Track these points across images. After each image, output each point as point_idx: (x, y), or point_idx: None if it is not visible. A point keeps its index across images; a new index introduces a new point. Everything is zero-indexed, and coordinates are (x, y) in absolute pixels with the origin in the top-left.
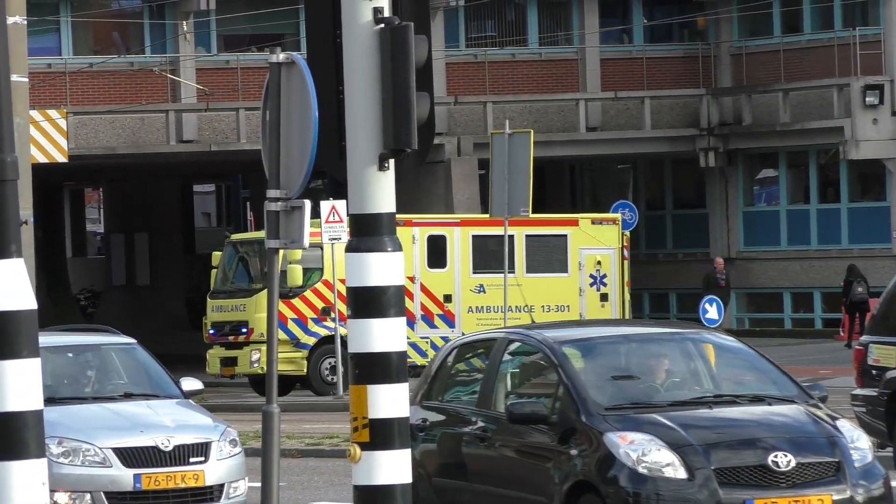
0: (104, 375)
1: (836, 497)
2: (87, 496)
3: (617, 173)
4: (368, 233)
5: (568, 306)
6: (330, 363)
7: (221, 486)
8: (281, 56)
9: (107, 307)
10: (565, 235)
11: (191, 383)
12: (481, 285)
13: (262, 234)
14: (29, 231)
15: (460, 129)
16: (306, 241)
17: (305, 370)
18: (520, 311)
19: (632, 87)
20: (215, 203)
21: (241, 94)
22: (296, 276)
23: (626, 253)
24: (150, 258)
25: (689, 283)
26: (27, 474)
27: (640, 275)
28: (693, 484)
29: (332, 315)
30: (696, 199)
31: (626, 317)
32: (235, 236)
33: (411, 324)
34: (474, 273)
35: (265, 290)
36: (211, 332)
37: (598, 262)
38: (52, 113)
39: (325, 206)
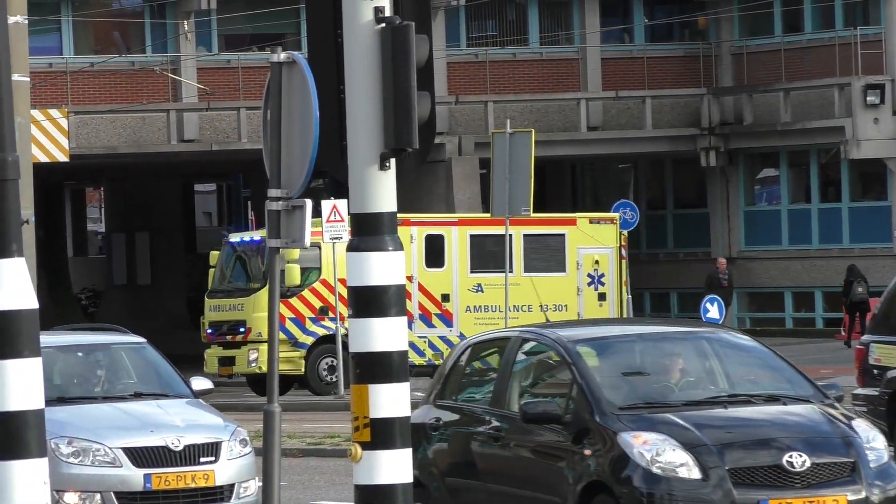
0: (114, 375)
1: (851, 497)
2: (98, 496)
3: (618, 173)
4: (369, 232)
5: (566, 306)
6: (328, 363)
7: (232, 486)
8: (282, 55)
9: (108, 307)
10: (563, 235)
11: (201, 383)
12: (479, 285)
13: (261, 233)
14: (30, 230)
15: (461, 128)
16: (307, 241)
17: (303, 370)
18: (518, 311)
19: (633, 87)
20: (216, 202)
21: (242, 94)
22: (293, 275)
23: (623, 252)
24: (151, 258)
25: (690, 283)
26: (28, 473)
27: (641, 274)
28: (707, 484)
29: (331, 315)
30: (697, 199)
31: (625, 316)
32: (233, 236)
33: (409, 323)
34: (472, 272)
35: (263, 290)
36: (209, 331)
37: (596, 262)
38: (54, 112)
39: (327, 205)
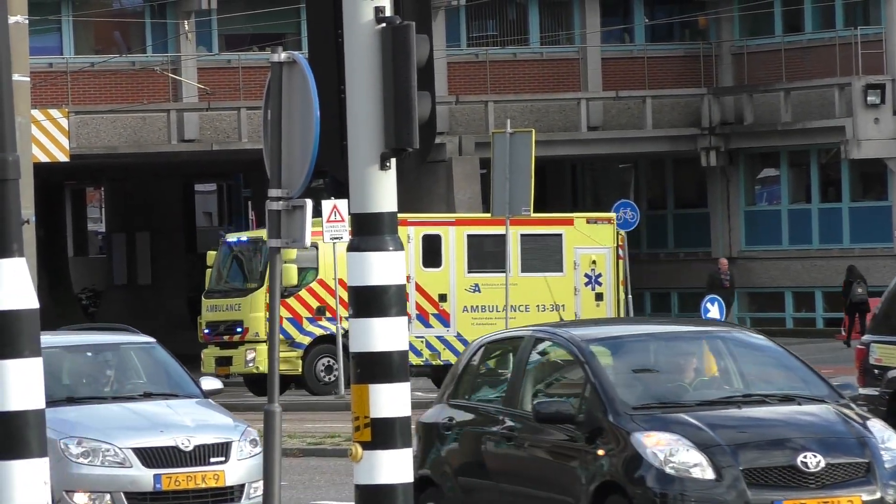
0: (123, 375)
1: (866, 498)
2: (107, 496)
3: (618, 173)
4: (370, 232)
5: (563, 305)
6: (325, 363)
7: (242, 486)
8: (282, 55)
9: (108, 306)
10: (560, 235)
11: (210, 382)
12: (476, 285)
13: (257, 233)
14: (30, 230)
15: (462, 128)
16: (308, 241)
17: (301, 370)
18: (515, 311)
19: (633, 87)
20: (217, 202)
21: (243, 94)
22: (290, 275)
23: (621, 252)
24: (151, 257)
25: (691, 283)
26: (29, 473)
27: (641, 274)
28: (721, 485)
29: (328, 315)
30: (697, 199)
31: (622, 316)
32: (230, 236)
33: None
34: (469, 272)
35: (260, 290)
36: (206, 331)
37: (594, 262)
38: (54, 112)
39: (327, 205)
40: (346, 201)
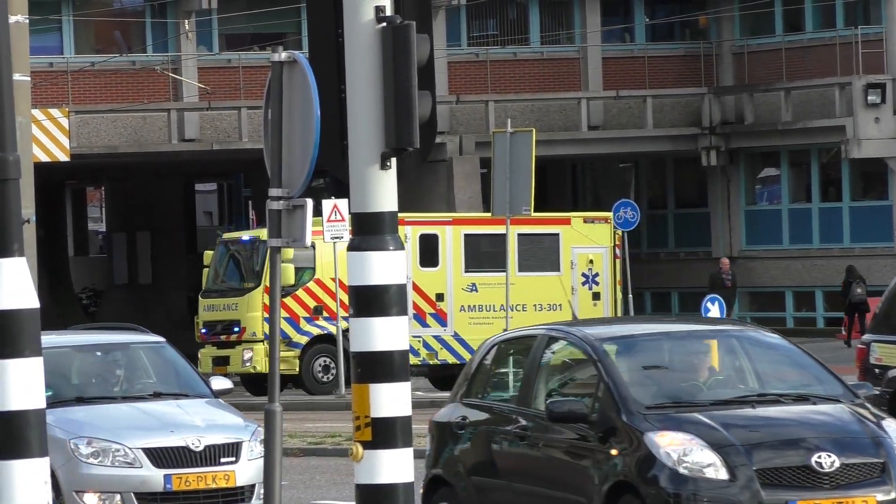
0: (133, 374)
1: (880, 498)
2: (117, 497)
3: (619, 172)
4: (370, 231)
5: (560, 305)
6: (322, 363)
7: (252, 486)
8: (283, 55)
9: (109, 306)
10: (557, 234)
11: (220, 382)
12: (473, 284)
13: (254, 232)
14: (31, 230)
15: (462, 127)
16: (308, 240)
17: (298, 369)
18: (512, 311)
19: (633, 86)
20: (217, 202)
21: (243, 93)
22: (287, 275)
23: (618, 252)
24: (151, 257)
25: (691, 283)
26: (29, 473)
27: (641, 274)
28: (735, 485)
29: (325, 314)
30: (697, 198)
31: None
32: (227, 235)
33: None
34: (466, 272)
35: (257, 290)
36: (203, 331)
37: (591, 261)
38: (54, 112)
39: (327, 204)
40: (346, 201)
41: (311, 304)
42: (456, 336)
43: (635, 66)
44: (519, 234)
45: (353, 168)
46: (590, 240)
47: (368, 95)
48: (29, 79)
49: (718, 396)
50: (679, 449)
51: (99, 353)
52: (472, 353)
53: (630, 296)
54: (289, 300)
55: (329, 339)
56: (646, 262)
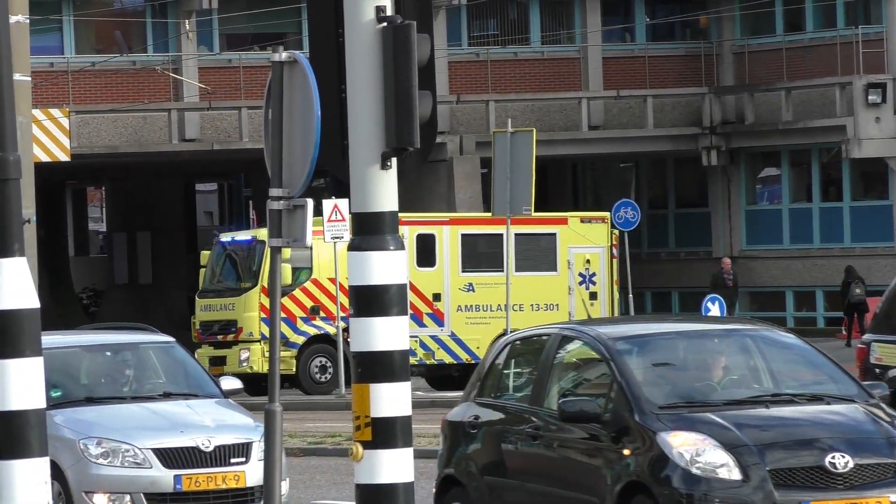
0: (143, 374)
1: (894, 499)
2: (127, 497)
3: (619, 172)
4: (371, 231)
5: (557, 305)
6: (320, 363)
7: (263, 486)
8: (283, 55)
9: (109, 306)
10: (554, 234)
11: (230, 382)
12: (470, 284)
13: (250, 232)
14: (31, 230)
15: (462, 127)
16: (309, 240)
17: (295, 369)
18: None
19: (634, 86)
20: (217, 202)
21: (244, 93)
22: (284, 275)
23: (615, 251)
24: (152, 257)
25: (692, 282)
26: (29, 473)
27: (642, 273)
28: (748, 485)
29: (322, 314)
30: (698, 198)
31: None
32: (224, 235)
33: None
34: (463, 272)
35: (254, 290)
36: (200, 331)
37: (588, 261)
38: (55, 112)
39: (328, 204)
40: (346, 200)
41: (309, 304)
42: (453, 336)
43: (636, 66)
44: (516, 234)
45: (353, 168)
46: (587, 240)
47: (369, 95)
48: (29, 79)
49: (732, 396)
50: (692, 449)
51: (108, 353)
52: (469, 353)
53: (631, 295)
54: (286, 300)
55: (326, 339)
56: (646, 262)
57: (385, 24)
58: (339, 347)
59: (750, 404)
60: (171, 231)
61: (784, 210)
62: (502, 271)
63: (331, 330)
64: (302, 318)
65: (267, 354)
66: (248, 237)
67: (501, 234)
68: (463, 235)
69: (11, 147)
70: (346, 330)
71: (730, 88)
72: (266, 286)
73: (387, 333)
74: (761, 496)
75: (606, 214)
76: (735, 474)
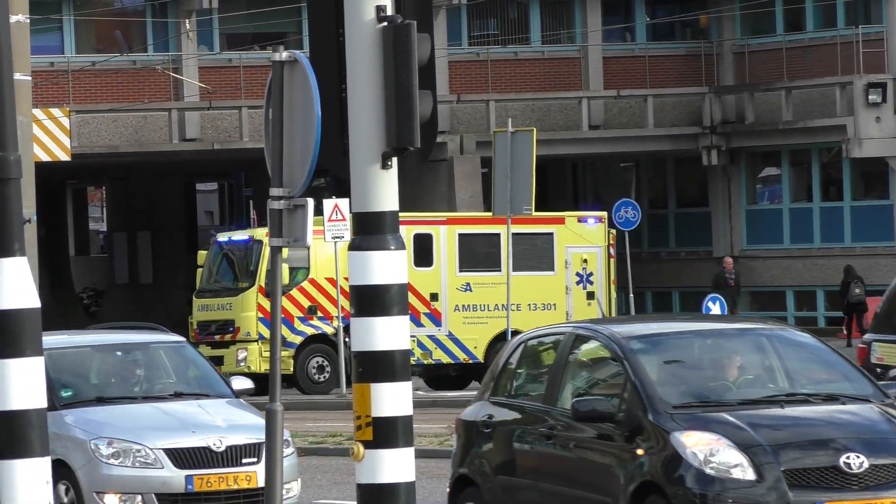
0: (153, 374)
1: None
2: (138, 497)
3: (619, 172)
4: (371, 231)
5: (554, 304)
6: (317, 362)
7: None
8: (284, 54)
9: (110, 305)
10: (551, 234)
11: (241, 382)
12: (468, 284)
13: (247, 232)
14: (32, 229)
15: (463, 127)
16: (310, 240)
17: (292, 369)
18: (506, 310)
19: (634, 86)
20: (218, 201)
21: (244, 93)
22: (282, 274)
23: (612, 251)
24: (152, 256)
25: (692, 282)
26: (30, 473)
27: (643, 273)
28: (762, 485)
29: (320, 314)
30: (698, 198)
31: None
32: (221, 235)
33: None
34: (461, 271)
35: (251, 289)
36: (197, 331)
37: (585, 261)
38: (55, 111)
39: (328, 204)
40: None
41: (306, 303)
42: (450, 336)
43: (636, 66)
44: (513, 234)
45: (354, 167)
46: (584, 239)
47: (369, 95)
48: (30, 78)
49: (746, 396)
50: (706, 449)
51: (119, 353)
52: (466, 353)
53: (631, 295)
54: (283, 300)
55: (323, 338)
56: (647, 262)
57: (385, 23)
58: (339, 348)
59: (764, 404)
60: (171, 231)
61: (784, 210)
62: (500, 271)
63: (328, 330)
64: (299, 318)
65: (264, 354)
66: (245, 237)
67: (499, 234)
68: (460, 235)
69: (12, 147)
70: (346, 329)
71: (730, 88)
72: (263, 286)
73: (388, 333)
74: (775, 496)
75: (603, 214)
76: (749, 474)
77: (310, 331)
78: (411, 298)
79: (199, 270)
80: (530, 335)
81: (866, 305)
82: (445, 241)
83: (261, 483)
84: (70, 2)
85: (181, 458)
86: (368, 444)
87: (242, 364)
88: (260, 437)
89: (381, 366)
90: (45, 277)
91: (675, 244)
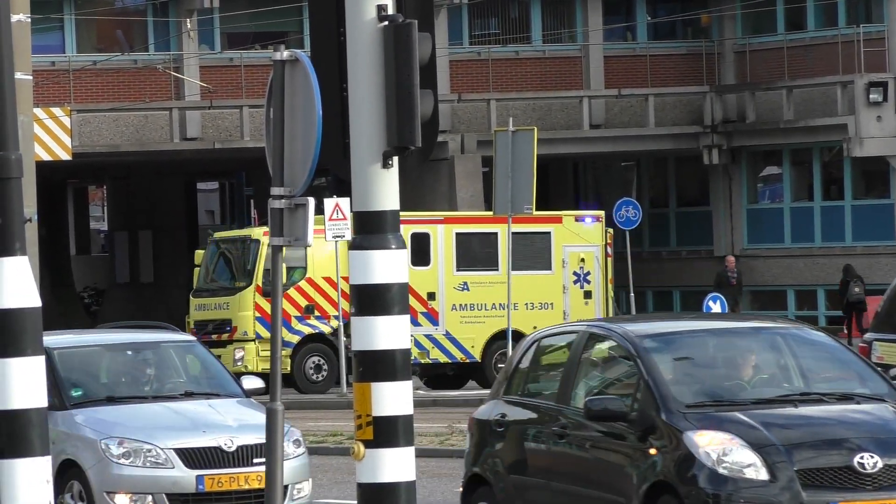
0: (164, 374)
1: None
2: (149, 498)
3: (620, 171)
4: (372, 230)
5: (551, 304)
6: (314, 362)
7: (285, 487)
8: (285, 53)
9: (111, 305)
10: (549, 233)
11: (252, 381)
12: (465, 283)
13: (244, 231)
14: (33, 229)
15: (464, 126)
16: (310, 239)
17: (289, 368)
18: (503, 309)
19: (635, 85)
20: (219, 201)
21: (245, 92)
22: None
23: (609, 250)
24: (153, 256)
25: (693, 281)
26: (31, 472)
27: (643, 272)
28: (775, 485)
29: (317, 313)
30: (699, 197)
31: (610, 315)
32: (218, 234)
33: None
34: (458, 271)
35: (248, 289)
36: (194, 330)
37: (582, 260)
38: (56, 111)
39: (329, 203)
40: (348, 199)
41: (303, 303)
42: (447, 335)
43: (637, 65)
44: (511, 233)
45: (354, 167)
46: (581, 238)
47: (370, 94)
48: (31, 77)
49: (760, 395)
50: (719, 448)
51: (129, 352)
52: (463, 352)
53: (632, 294)
54: None
55: (320, 338)
56: (648, 261)
57: (386, 22)
58: (340, 348)
59: (778, 403)
60: (172, 230)
61: (785, 209)
62: (497, 270)
63: (326, 329)
64: (297, 318)
65: (261, 354)
66: (242, 236)
67: (496, 233)
68: (457, 234)
69: (13, 146)
70: (346, 328)
71: (731, 87)
72: (260, 285)
73: (388, 332)
74: (788, 496)
75: (601, 213)
76: (762, 474)
77: (307, 330)
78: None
79: (196, 270)
80: (543, 334)
81: (866, 304)
82: (443, 241)
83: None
84: (71, 1)
85: (192, 457)
86: (369, 444)
87: (239, 364)
88: None
89: (381, 365)
90: (45, 277)
91: (675, 243)
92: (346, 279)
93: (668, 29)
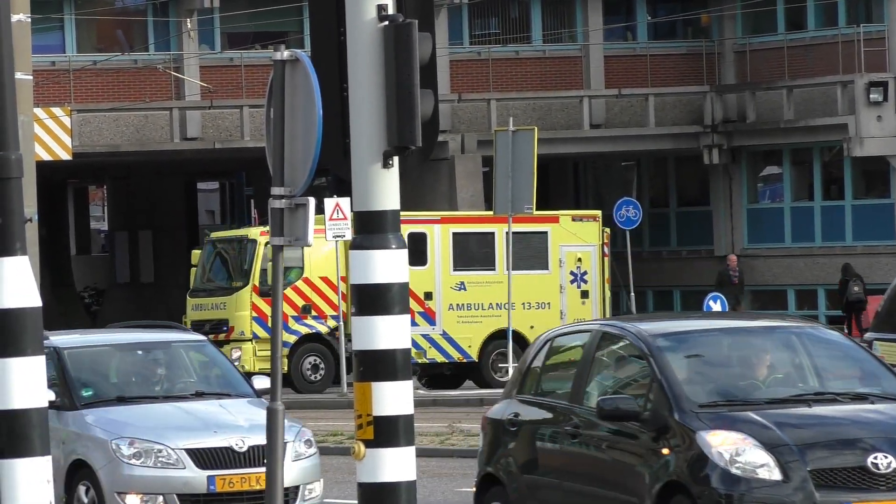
0: (174, 374)
1: None
2: (160, 498)
3: (621, 171)
4: (373, 230)
5: (549, 303)
6: (312, 361)
7: (297, 488)
8: (285, 53)
9: (111, 305)
10: (546, 232)
11: (263, 381)
12: (462, 283)
13: (241, 231)
14: (33, 229)
15: (464, 126)
16: (311, 239)
17: (286, 368)
18: (501, 309)
19: (636, 85)
20: (219, 200)
21: (245, 92)
22: None
23: (606, 250)
24: (154, 256)
25: (693, 281)
26: (32, 472)
27: (644, 272)
28: (788, 486)
29: (314, 313)
30: (699, 197)
31: (607, 315)
32: (215, 234)
33: None
34: (455, 270)
35: (245, 288)
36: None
37: (579, 260)
38: (57, 111)
39: (329, 203)
40: (348, 199)
41: (300, 302)
42: (444, 335)
43: (637, 65)
44: (510, 233)
45: (355, 166)
46: (578, 238)
47: (370, 94)
48: (31, 77)
49: (773, 395)
50: (731, 448)
51: (140, 352)
52: (461, 352)
53: (633, 294)
54: None
55: (318, 338)
56: (648, 261)
57: (386, 22)
58: (340, 347)
59: (792, 403)
60: (172, 230)
61: (786, 208)
62: (494, 270)
63: (323, 329)
64: (293, 318)
65: (258, 354)
66: (239, 236)
67: (493, 233)
68: (454, 234)
69: (13, 146)
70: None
71: (731, 87)
72: (257, 285)
73: (389, 332)
74: (802, 497)
75: (598, 213)
76: (775, 474)
77: (304, 330)
78: None
79: (193, 270)
80: (556, 333)
81: (865, 303)
82: (440, 240)
83: (283, 484)
84: (71, 1)
85: (203, 458)
86: (369, 443)
87: (237, 363)
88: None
89: (382, 365)
90: (46, 276)
91: (676, 243)
92: (345, 280)
93: (669, 29)
